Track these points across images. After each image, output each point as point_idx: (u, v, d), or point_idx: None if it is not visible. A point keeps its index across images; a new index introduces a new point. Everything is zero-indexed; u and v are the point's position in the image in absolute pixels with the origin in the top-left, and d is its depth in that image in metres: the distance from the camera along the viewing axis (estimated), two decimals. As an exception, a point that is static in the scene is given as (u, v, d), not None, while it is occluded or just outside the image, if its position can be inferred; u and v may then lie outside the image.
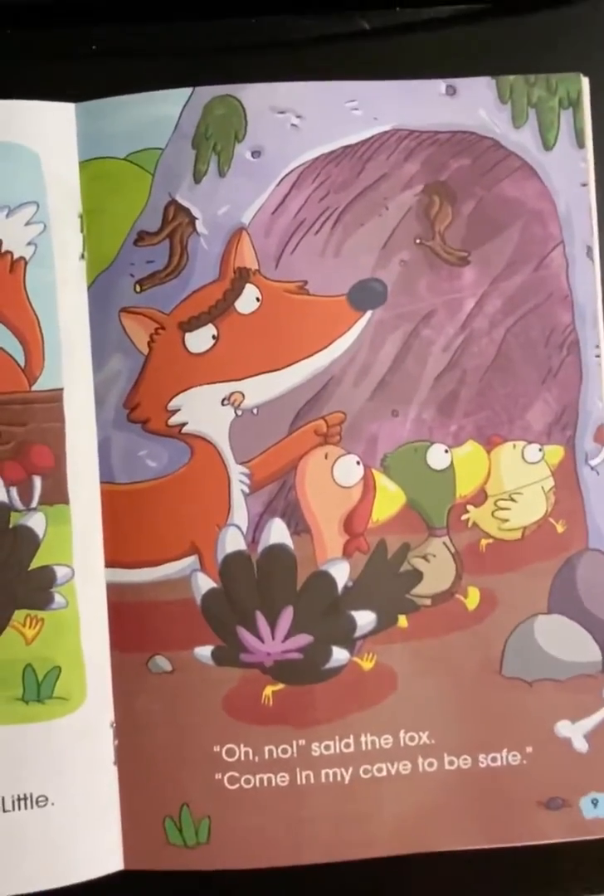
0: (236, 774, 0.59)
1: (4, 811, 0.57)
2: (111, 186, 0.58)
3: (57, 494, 0.58)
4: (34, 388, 0.58)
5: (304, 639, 0.59)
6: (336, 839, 0.59)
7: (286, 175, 0.58)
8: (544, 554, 0.60)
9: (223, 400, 0.58)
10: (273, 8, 0.60)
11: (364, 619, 0.59)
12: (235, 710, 0.59)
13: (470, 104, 0.60)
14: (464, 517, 0.60)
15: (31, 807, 0.57)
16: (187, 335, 0.58)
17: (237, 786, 0.59)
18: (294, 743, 0.59)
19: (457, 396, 0.60)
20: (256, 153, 0.57)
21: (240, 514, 0.58)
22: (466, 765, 0.60)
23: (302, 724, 0.59)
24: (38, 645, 0.58)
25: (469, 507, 0.60)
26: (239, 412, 0.58)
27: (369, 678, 0.60)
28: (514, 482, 0.60)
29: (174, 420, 0.58)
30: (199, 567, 0.58)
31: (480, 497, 0.60)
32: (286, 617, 0.58)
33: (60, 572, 0.58)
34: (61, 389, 0.58)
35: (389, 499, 0.59)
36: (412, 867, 0.60)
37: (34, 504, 0.58)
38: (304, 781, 0.59)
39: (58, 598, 0.58)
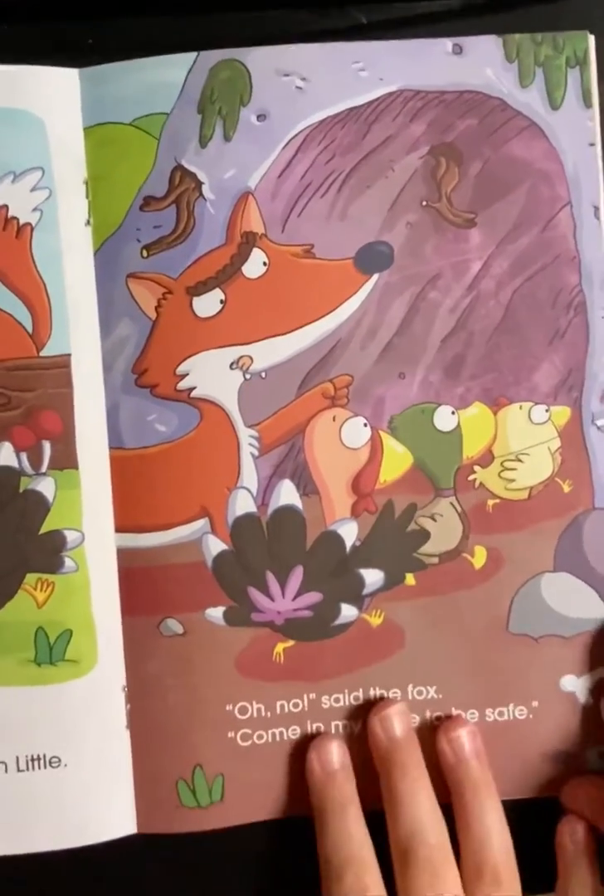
0: (249, 731, 0.59)
1: (18, 770, 0.58)
2: (117, 152, 0.57)
3: (66, 459, 0.58)
4: (42, 353, 0.57)
5: (313, 597, 0.59)
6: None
7: (292, 138, 0.57)
8: (550, 513, 0.59)
9: (232, 364, 0.58)
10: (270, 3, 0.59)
11: (372, 577, 0.59)
12: (247, 668, 0.59)
13: (477, 63, 0.59)
14: (471, 478, 0.60)
15: (45, 767, 0.58)
16: (195, 300, 0.58)
17: (250, 742, 0.59)
18: (305, 696, 0.59)
19: (464, 358, 0.59)
20: (261, 116, 0.57)
21: (249, 476, 0.58)
22: (473, 719, 0.61)
23: (312, 678, 0.60)
24: (49, 608, 0.58)
25: (476, 468, 0.60)
26: (247, 376, 0.58)
27: (378, 634, 0.60)
28: (520, 443, 0.59)
29: (183, 384, 0.58)
30: (209, 529, 0.58)
31: (486, 458, 0.60)
32: (296, 576, 0.59)
33: (70, 536, 0.58)
34: (69, 355, 0.57)
35: (397, 460, 0.59)
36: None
37: (44, 469, 0.58)
38: (314, 733, 0.60)
39: (68, 562, 0.58)
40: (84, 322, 0.57)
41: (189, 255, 0.57)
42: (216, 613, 0.58)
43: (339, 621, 0.59)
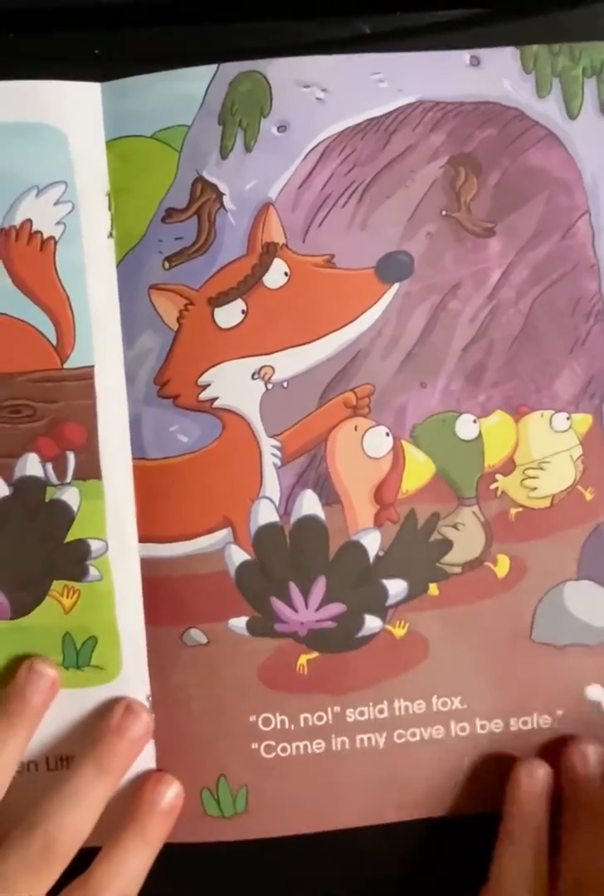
0: (273, 743, 0.59)
1: (49, 769, 0.59)
2: (138, 164, 0.57)
3: (90, 470, 0.58)
4: (66, 365, 0.57)
5: (337, 608, 0.59)
6: (371, 803, 0.60)
7: (312, 149, 0.57)
8: (573, 521, 0.59)
9: (253, 374, 0.58)
10: (272, 13, 0.59)
11: (395, 587, 0.59)
12: (270, 679, 0.59)
13: (494, 75, 0.59)
14: (493, 486, 0.59)
15: None
16: (217, 310, 0.58)
17: (274, 754, 0.59)
18: (329, 710, 0.59)
19: (485, 367, 0.59)
20: (281, 128, 0.57)
21: (272, 486, 0.58)
22: (497, 729, 0.60)
23: (337, 691, 0.59)
24: (75, 614, 0.58)
25: (498, 477, 0.59)
26: (269, 386, 0.58)
27: (402, 645, 0.60)
28: (542, 451, 0.59)
29: (205, 395, 0.58)
30: (232, 540, 0.58)
31: (508, 466, 0.59)
32: (319, 587, 0.58)
33: (95, 546, 0.58)
34: (92, 367, 0.57)
35: (419, 469, 0.59)
36: (445, 830, 0.61)
37: (68, 479, 0.58)
38: (339, 748, 0.59)
39: (93, 571, 0.58)
40: (107, 334, 0.57)
41: (210, 265, 0.57)
42: (239, 623, 0.58)
43: (362, 633, 0.59)
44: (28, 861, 0.51)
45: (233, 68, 0.57)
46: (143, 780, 0.58)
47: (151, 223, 0.57)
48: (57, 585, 0.58)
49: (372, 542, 0.59)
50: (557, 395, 0.59)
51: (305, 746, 0.59)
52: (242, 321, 0.57)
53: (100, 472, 0.58)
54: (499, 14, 0.58)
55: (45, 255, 0.57)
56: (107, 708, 0.58)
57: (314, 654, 0.59)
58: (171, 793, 0.57)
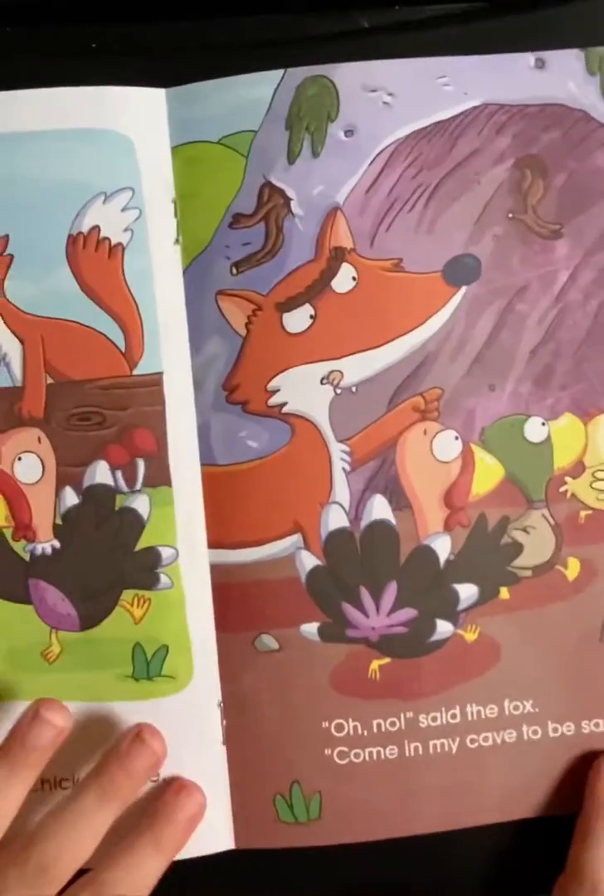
0: (345, 749, 0.58)
1: None
2: (205, 170, 0.57)
3: (159, 476, 0.57)
4: (135, 372, 0.57)
5: (408, 613, 0.58)
6: (445, 809, 0.59)
7: (379, 153, 0.57)
8: None
9: (322, 379, 0.57)
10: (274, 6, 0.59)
11: (467, 591, 0.59)
12: (342, 685, 0.58)
13: (559, 77, 0.58)
14: (562, 489, 0.59)
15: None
16: (285, 315, 0.57)
17: (347, 760, 0.58)
18: (402, 716, 0.58)
19: (553, 370, 0.59)
20: (349, 132, 0.57)
21: (342, 491, 0.58)
22: (569, 732, 0.59)
23: (409, 696, 0.59)
24: (145, 624, 0.58)
25: (567, 479, 0.59)
26: (338, 391, 0.57)
27: (473, 650, 0.59)
28: None
29: (274, 400, 0.58)
30: (303, 545, 0.58)
31: (578, 469, 0.59)
32: (390, 592, 0.58)
33: (165, 553, 0.57)
34: (161, 373, 0.57)
35: (488, 473, 0.59)
36: (518, 833, 0.60)
37: (138, 486, 0.57)
38: (412, 753, 0.59)
39: (163, 579, 0.57)
40: (175, 340, 0.57)
41: (278, 271, 0.57)
42: (311, 629, 0.58)
43: (434, 638, 0.59)
44: (25, 879, 0.50)
45: (300, 73, 0.57)
46: (165, 786, 0.57)
47: (219, 229, 0.57)
48: (127, 595, 0.58)
49: (443, 547, 0.58)
50: (625, 397, 0.58)
51: (379, 752, 0.58)
52: (311, 326, 0.57)
53: (169, 479, 0.57)
54: (564, 16, 0.58)
55: (113, 262, 0.57)
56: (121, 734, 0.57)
57: (386, 660, 0.58)
58: (191, 805, 0.56)
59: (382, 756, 0.58)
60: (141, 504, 0.57)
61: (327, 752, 0.58)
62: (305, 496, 0.58)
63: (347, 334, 0.57)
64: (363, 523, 0.58)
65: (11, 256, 0.56)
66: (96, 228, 0.57)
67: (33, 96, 0.56)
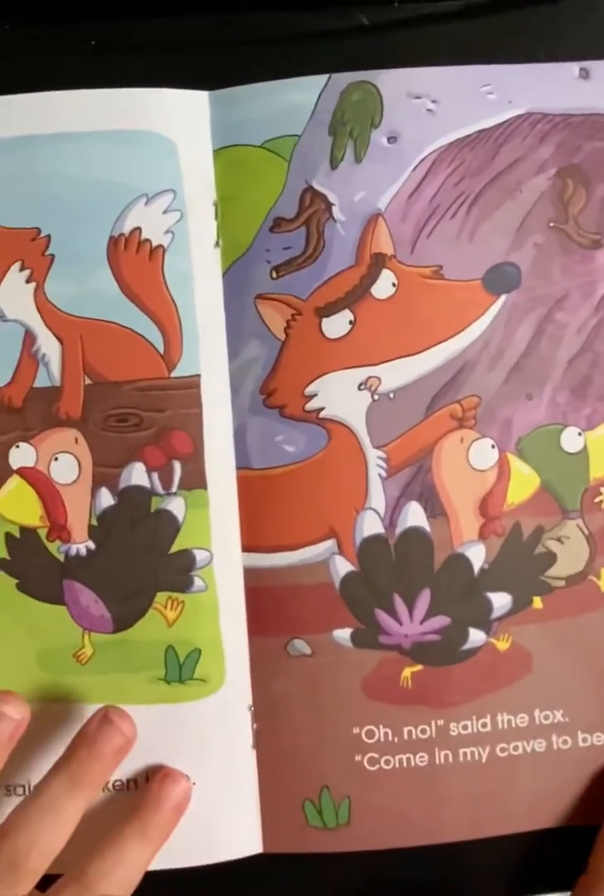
0: (376, 755, 0.58)
1: None
2: (247, 174, 0.57)
3: (195, 479, 0.57)
4: (173, 374, 0.57)
5: (441, 620, 0.58)
6: (473, 817, 0.59)
7: (422, 160, 0.57)
8: None
9: (360, 385, 0.57)
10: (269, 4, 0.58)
11: (500, 600, 0.58)
12: (374, 691, 0.58)
13: (603, 88, 0.58)
14: (597, 499, 0.58)
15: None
16: (324, 320, 0.57)
17: (377, 767, 0.58)
18: (433, 723, 0.58)
19: (590, 380, 0.58)
20: (392, 139, 0.56)
21: (377, 497, 0.58)
22: (599, 742, 0.59)
23: (440, 704, 0.58)
24: (179, 627, 0.57)
25: (602, 490, 0.58)
26: (376, 397, 0.57)
27: (505, 659, 0.59)
28: None
29: (311, 405, 0.57)
30: (337, 550, 0.57)
31: None
32: (424, 599, 0.57)
33: (200, 556, 0.57)
34: (199, 376, 0.57)
35: (524, 482, 0.58)
36: (546, 842, 0.60)
37: (174, 488, 0.57)
38: (442, 761, 0.58)
39: (197, 582, 0.57)
40: (213, 343, 0.57)
41: (319, 276, 0.57)
42: (344, 635, 0.57)
43: (467, 646, 0.58)
44: None
45: (344, 79, 0.56)
46: (150, 775, 0.56)
47: (259, 233, 0.57)
48: (161, 597, 0.57)
49: (477, 555, 0.58)
50: (660, 409, 0.58)
51: (409, 759, 0.58)
52: (350, 332, 0.57)
53: (205, 482, 0.57)
54: (485, 5, 0.58)
55: (154, 264, 0.57)
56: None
57: (418, 667, 0.58)
58: (177, 791, 0.55)
59: (413, 763, 0.58)
60: (176, 506, 0.57)
61: (358, 758, 0.58)
62: (340, 502, 0.57)
63: (385, 340, 0.57)
64: (398, 530, 0.57)
65: (53, 256, 0.56)
66: (138, 230, 0.56)
67: (77, 97, 0.56)
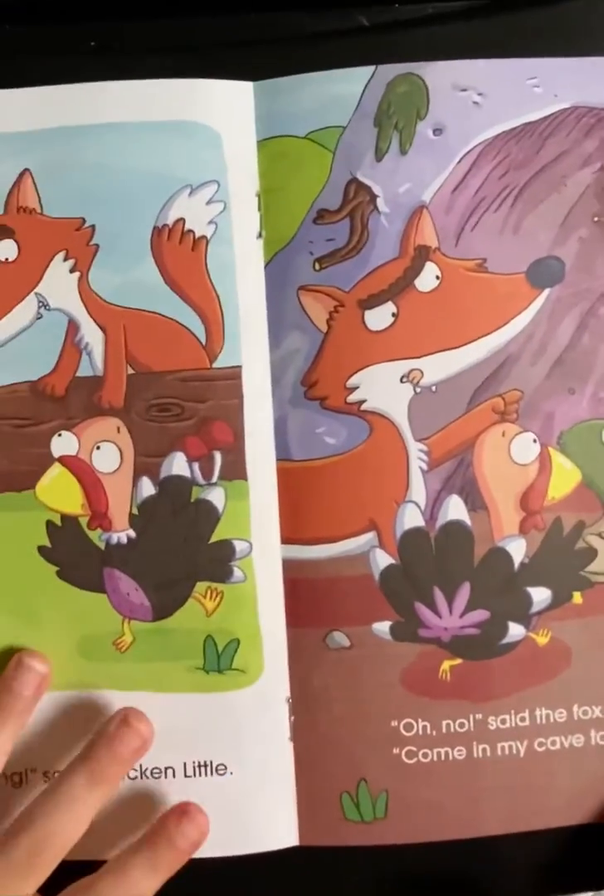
0: (414, 749, 0.57)
1: (186, 776, 0.57)
2: (291, 165, 0.56)
3: (236, 470, 0.57)
4: (214, 365, 0.57)
5: (481, 614, 0.57)
6: (511, 811, 0.58)
7: (467, 152, 0.56)
8: None
9: (402, 377, 0.56)
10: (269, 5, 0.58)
11: (540, 595, 0.58)
12: (413, 684, 0.58)
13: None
14: None
15: (211, 774, 0.57)
16: (367, 313, 0.56)
17: (415, 760, 0.57)
18: (471, 717, 0.57)
19: None
20: (437, 131, 0.56)
21: (418, 490, 0.57)
22: None
23: (479, 698, 0.58)
24: (217, 617, 0.57)
25: (643, 486, 0.57)
26: (418, 390, 0.56)
27: (544, 653, 0.58)
28: None
29: (353, 397, 0.57)
30: (377, 543, 0.57)
31: None
32: (464, 593, 0.57)
33: (239, 547, 0.57)
34: (240, 367, 0.57)
35: (565, 477, 0.58)
36: (583, 838, 0.59)
37: (214, 479, 0.57)
38: (480, 755, 0.58)
39: (237, 572, 0.57)
40: (254, 334, 0.56)
41: (362, 268, 0.56)
42: (383, 628, 0.57)
43: (506, 640, 0.58)
44: (14, 864, 0.50)
45: (390, 70, 0.56)
46: (171, 809, 0.55)
47: (303, 224, 0.57)
48: (200, 587, 0.57)
49: (517, 550, 0.57)
50: None
51: (447, 753, 0.57)
52: (393, 324, 0.56)
53: (245, 473, 0.57)
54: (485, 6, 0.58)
55: (197, 255, 0.56)
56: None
57: (457, 661, 0.57)
58: (193, 831, 0.54)
59: (450, 757, 0.57)
60: (217, 497, 0.57)
61: (395, 751, 0.57)
62: (381, 494, 0.57)
63: (428, 333, 0.56)
64: (439, 523, 0.57)
65: (97, 246, 0.56)
66: (181, 221, 0.56)
67: (124, 88, 0.56)
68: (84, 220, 0.55)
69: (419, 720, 0.57)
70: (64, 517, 0.56)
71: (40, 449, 0.56)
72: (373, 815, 0.57)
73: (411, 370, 0.56)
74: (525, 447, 0.57)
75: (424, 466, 0.56)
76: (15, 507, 0.56)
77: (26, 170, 0.55)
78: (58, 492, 0.56)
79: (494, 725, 0.57)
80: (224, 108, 0.56)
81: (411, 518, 0.56)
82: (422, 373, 0.56)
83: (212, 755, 0.57)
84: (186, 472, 0.56)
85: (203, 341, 0.56)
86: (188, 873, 0.54)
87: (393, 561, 0.57)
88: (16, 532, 0.56)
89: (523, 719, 0.57)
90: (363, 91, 0.56)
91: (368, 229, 0.56)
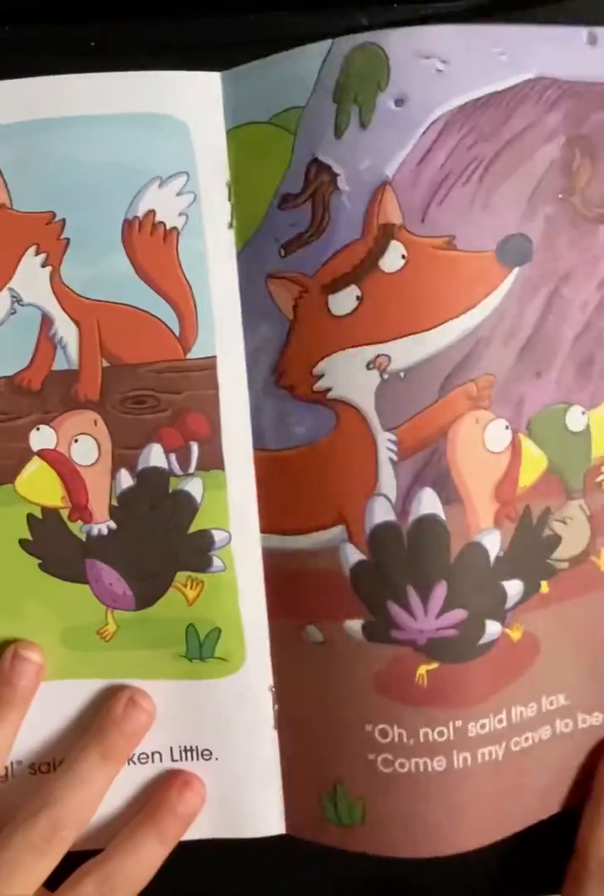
0: (390, 757, 0.55)
1: (173, 760, 0.58)
2: (256, 151, 0.54)
3: (213, 460, 0.55)
4: (189, 356, 0.55)
5: (459, 614, 0.54)
6: (492, 820, 0.56)
7: (432, 123, 0.52)
8: None
9: (368, 364, 0.53)
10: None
11: (514, 588, 0.55)
12: (387, 689, 0.55)
13: (604, 59, 0.53)
14: (599, 479, 0.55)
15: (197, 759, 0.58)
16: (331, 297, 0.53)
17: (391, 769, 0.55)
18: (451, 724, 0.54)
19: (593, 357, 0.54)
20: (399, 102, 0.52)
21: (388, 483, 0.54)
22: (597, 722, 0.58)
23: (458, 703, 0.55)
24: (199, 606, 0.56)
25: (603, 469, 0.54)
26: (385, 376, 0.53)
27: (518, 649, 0.55)
28: None
29: (319, 385, 0.54)
30: (346, 537, 0.54)
31: None
32: (439, 592, 0.53)
33: (218, 536, 0.56)
34: (215, 357, 0.55)
35: (534, 463, 0.54)
36: (550, 826, 0.58)
37: (192, 469, 0.56)
38: (461, 765, 0.55)
39: (216, 562, 0.56)
40: (228, 324, 0.55)
41: (324, 251, 0.53)
42: (355, 626, 0.54)
43: (484, 640, 0.55)
44: (33, 842, 0.51)
45: (347, 43, 0.52)
46: (168, 778, 0.56)
47: (269, 211, 0.54)
48: (180, 576, 0.56)
49: (493, 543, 0.54)
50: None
51: (425, 764, 0.54)
52: (357, 308, 0.53)
53: (223, 463, 0.55)
54: (486, 5, 0.54)
55: (168, 246, 0.55)
56: (112, 697, 0.56)
57: (435, 665, 0.54)
58: (194, 798, 0.56)
59: (430, 768, 0.54)
60: (194, 487, 0.56)
61: (371, 757, 0.55)
62: (348, 487, 0.54)
63: (395, 316, 0.53)
64: (411, 518, 0.54)
65: (68, 240, 0.55)
66: (152, 212, 0.55)
67: (90, 81, 0.54)
68: (54, 214, 0.54)
69: (395, 727, 0.54)
70: (44, 510, 0.56)
71: (19, 443, 0.56)
72: (350, 820, 0.56)
73: (378, 356, 0.53)
74: (499, 435, 0.54)
75: (394, 457, 0.53)
76: (-4, 501, 0.55)
77: (-5, 165, 0.54)
78: (38, 485, 0.56)
79: (474, 732, 0.54)
80: (192, 100, 0.54)
81: (382, 512, 0.54)
82: (389, 359, 0.53)
83: (197, 741, 0.57)
84: (164, 464, 0.56)
85: (177, 333, 0.55)
86: (175, 855, 0.56)
87: (363, 557, 0.54)
88: (-3, 526, 0.55)
89: (500, 721, 0.55)
90: (321, 67, 0.53)
91: (330, 211, 0.53)
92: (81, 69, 0.53)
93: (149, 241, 0.55)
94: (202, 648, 0.56)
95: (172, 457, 0.56)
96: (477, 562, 0.53)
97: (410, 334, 0.53)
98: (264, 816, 0.58)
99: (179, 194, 0.55)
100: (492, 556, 0.53)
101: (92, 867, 0.53)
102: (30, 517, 0.56)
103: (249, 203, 0.54)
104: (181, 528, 0.56)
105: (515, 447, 0.53)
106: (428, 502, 0.53)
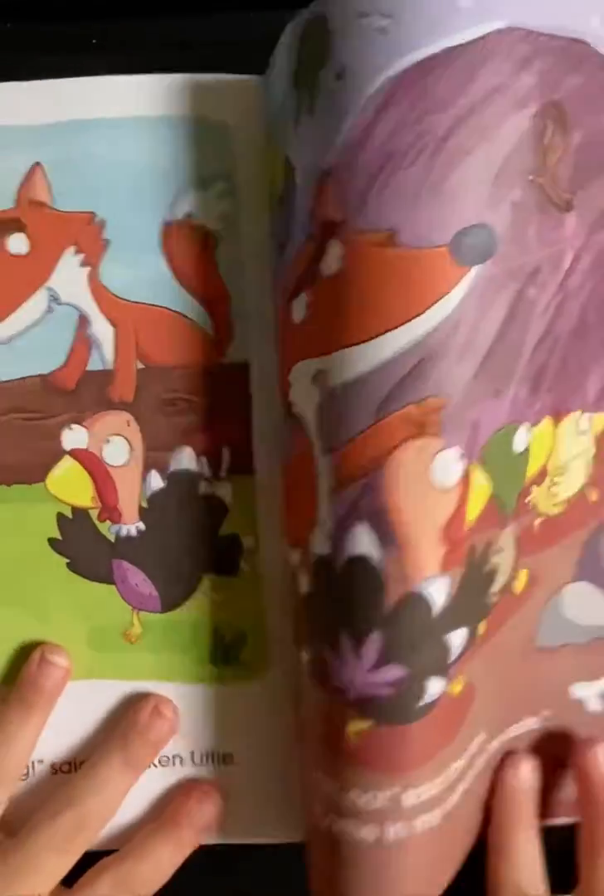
0: (320, 810, 0.42)
1: (194, 763, 0.49)
2: (264, 154, 0.44)
3: (244, 465, 0.47)
4: (223, 360, 0.47)
5: (395, 671, 0.39)
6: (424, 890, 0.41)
7: (371, 95, 0.37)
8: (578, 523, 0.42)
9: (313, 377, 0.40)
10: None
11: (458, 639, 0.39)
12: (322, 735, 0.42)
13: (584, 7, 0.37)
14: (527, 500, 0.40)
15: (219, 763, 0.49)
16: (291, 304, 0.41)
17: (325, 822, 0.42)
18: (386, 792, 0.40)
19: (546, 369, 0.38)
20: (339, 75, 0.37)
21: (326, 513, 0.40)
22: (506, 737, 0.45)
23: (394, 770, 0.40)
24: (224, 611, 0.48)
25: (533, 488, 0.40)
26: (325, 393, 0.40)
27: (458, 703, 0.41)
28: (567, 454, 0.41)
29: (290, 397, 0.42)
30: (299, 563, 0.42)
31: (542, 476, 0.40)
32: (372, 644, 0.39)
33: (246, 542, 0.47)
34: (248, 362, 0.47)
35: (479, 494, 0.38)
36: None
37: (222, 474, 0.47)
38: (393, 837, 0.41)
39: (243, 567, 0.47)
40: (262, 329, 0.46)
41: (288, 255, 0.41)
42: (305, 657, 0.42)
43: (425, 700, 0.39)
44: (55, 841, 0.45)
45: (299, 22, 0.39)
46: (187, 787, 0.48)
47: (272, 213, 0.44)
48: (207, 580, 0.48)
49: (439, 591, 0.38)
50: (587, 394, 0.40)
51: (355, 828, 0.41)
52: (306, 316, 0.40)
53: (253, 468, 0.47)
54: None
55: (207, 250, 0.46)
56: (136, 704, 0.48)
57: (366, 724, 0.39)
58: (210, 807, 0.48)
59: (358, 836, 0.40)
60: (224, 491, 0.47)
61: (309, 800, 0.42)
62: (299, 511, 0.41)
63: (335, 326, 0.38)
64: (343, 556, 0.39)
65: (108, 241, 0.48)
66: (191, 216, 0.47)
67: (134, 83, 0.47)
68: (95, 214, 0.48)
69: (327, 778, 0.41)
70: (75, 510, 0.49)
71: (51, 442, 0.49)
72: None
73: (319, 371, 0.40)
74: (449, 467, 0.37)
75: (333, 484, 0.40)
76: (26, 499, 0.49)
77: (37, 163, 0.49)
78: (68, 485, 0.49)
79: (410, 802, 0.40)
80: (233, 103, 0.46)
81: (319, 544, 0.40)
82: (327, 374, 0.40)
83: (219, 745, 0.49)
84: (195, 467, 0.48)
85: (212, 336, 0.47)
86: (191, 858, 0.49)
87: (311, 589, 0.41)
88: (27, 524, 0.49)
89: (438, 784, 0.40)
90: (286, 56, 0.40)
91: (294, 210, 0.40)
92: (83, 69, 0.47)
93: (187, 245, 0.47)
94: (227, 653, 0.48)
95: (204, 460, 0.48)
96: (418, 614, 0.38)
97: (345, 346, 0.38)
98: (284, 824, 0.48)
99: (218, 198, 0.47)
100: (436, 608, 0.37)
101: (108, 865, 0.47)
102: (60, 516, 0.49)
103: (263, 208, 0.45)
104: (209, 532, 0.47)
105: (465, 479, 0.37)
106: (360, 542, 0.38)
